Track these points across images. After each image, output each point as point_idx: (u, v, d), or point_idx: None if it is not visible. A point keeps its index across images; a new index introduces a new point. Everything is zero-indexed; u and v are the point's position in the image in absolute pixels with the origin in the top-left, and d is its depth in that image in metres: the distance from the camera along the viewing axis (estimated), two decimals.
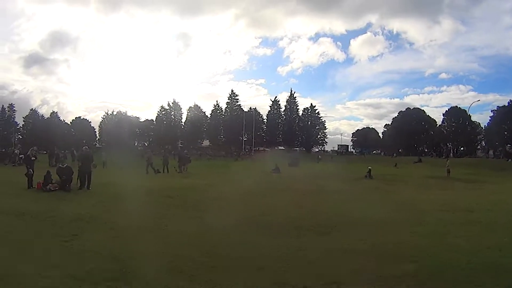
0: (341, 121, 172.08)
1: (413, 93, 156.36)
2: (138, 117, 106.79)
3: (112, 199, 14.52)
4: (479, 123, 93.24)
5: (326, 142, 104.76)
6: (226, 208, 13.13)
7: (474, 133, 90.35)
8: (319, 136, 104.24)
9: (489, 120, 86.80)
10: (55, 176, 16.75)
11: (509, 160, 47.75)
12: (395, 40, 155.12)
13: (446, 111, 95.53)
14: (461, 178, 29.64)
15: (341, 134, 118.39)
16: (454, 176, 31.33)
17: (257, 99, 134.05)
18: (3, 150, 51.14)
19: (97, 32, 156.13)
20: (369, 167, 29.29)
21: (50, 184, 16.17)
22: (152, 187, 18.83)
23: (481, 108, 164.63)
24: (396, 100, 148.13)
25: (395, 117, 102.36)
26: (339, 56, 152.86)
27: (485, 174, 33.87)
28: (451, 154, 75.13)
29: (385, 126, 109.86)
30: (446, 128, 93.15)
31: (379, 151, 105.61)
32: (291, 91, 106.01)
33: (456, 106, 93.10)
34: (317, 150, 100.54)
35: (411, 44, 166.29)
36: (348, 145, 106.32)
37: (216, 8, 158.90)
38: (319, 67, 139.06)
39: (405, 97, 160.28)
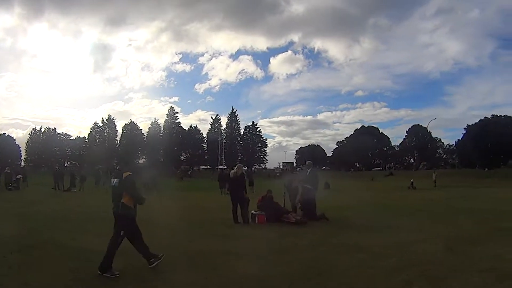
0: None
1: (327, 110, 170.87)
2: (68, 135, 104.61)
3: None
4: (440, 138, 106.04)
5: (267, 160, 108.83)
6: None
7: (435, 148, 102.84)
8: (259, 155, 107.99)
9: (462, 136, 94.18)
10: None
11: (486, 169, 64.81)
12: (314, 59, 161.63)
13: (409, 128, 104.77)
14: (449, 185, 38.58)
15: (285, 152, 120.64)
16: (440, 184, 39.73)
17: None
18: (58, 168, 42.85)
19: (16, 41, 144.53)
20: (411, 180, 37.61)
21: (287, 215, 12.56)
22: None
23: (393, 123, 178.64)
24: (309, 118, 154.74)
25: (351, 134, 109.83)
26: (258, 74, 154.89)
27: (468, 181, 44.82)
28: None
29: (337, 143, 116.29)
30: (407, 143, 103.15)
31: (328, 168, 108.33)
32: (233, 109, 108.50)
33: (418, 124, 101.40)
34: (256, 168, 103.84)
35: (330, 62, 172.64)
36: (293, 162, 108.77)
37: (140, 20, 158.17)
38: (237, 85, 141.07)
39: (318, 114, 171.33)
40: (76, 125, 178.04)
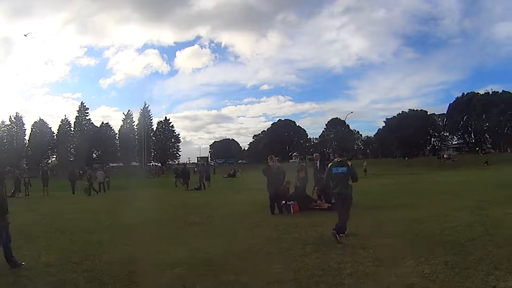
0: None
1: (232, 105, 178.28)
2: None
3: None
4: (358, 131, 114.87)
5: (180, 156, 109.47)
6: None
7: (354, 140, 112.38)
8: (173, 150, 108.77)
9: (382, 127, 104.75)
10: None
11: (406, 158, 76.07)
12: (221, 53, 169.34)
13: (328, 121, 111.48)
14: (378, 173, 43.35)
15: (200, 146, 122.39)
16: (369, 173, 42.90)
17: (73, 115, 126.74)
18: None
19: None
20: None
21: (315, 203, 13.96)
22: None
23: (297, 116, 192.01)
24: (214, 112, 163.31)
25: (269, 128, 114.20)
26: (164, 68, 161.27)
27: (393, 169, 50.89)
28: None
29: (253, 137, 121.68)
30: (326, 136, 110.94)
31: (245, 162, 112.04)
32: (145, 104, 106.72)
33: (337, 118, 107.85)
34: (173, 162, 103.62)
35: (236, 57, 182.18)
36: (207, 157, 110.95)
37: (47, 10, 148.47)
38: (142, 80, 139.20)
39: (222, 108, 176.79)
40: None
